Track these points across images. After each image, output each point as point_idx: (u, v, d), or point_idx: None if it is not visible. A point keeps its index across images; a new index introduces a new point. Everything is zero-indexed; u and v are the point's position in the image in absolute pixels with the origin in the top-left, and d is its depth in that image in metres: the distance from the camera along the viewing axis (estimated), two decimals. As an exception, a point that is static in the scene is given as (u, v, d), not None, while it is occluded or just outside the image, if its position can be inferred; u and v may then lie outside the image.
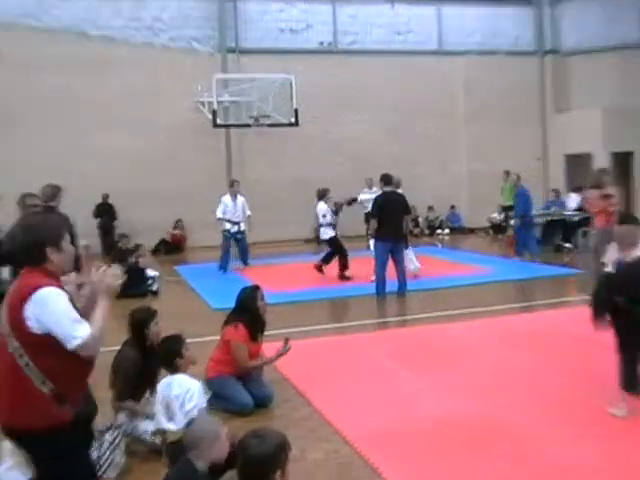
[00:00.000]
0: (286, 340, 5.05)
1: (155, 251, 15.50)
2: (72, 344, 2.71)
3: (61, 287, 2.81)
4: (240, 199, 12.09)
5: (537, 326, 6.96)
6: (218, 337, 5.16)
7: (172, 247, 15.87)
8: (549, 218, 14.32)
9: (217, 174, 16.50)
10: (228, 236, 11.98)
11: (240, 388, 4.84)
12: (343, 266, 10.51)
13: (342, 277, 10.43)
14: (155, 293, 10.01)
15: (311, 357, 6.13)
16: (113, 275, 2.93)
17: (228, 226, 11.94)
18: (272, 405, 4.95)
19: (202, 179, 16.13)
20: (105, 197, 15.46)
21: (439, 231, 18.22)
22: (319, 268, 10.75)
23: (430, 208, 18.51)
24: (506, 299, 9.05)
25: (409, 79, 17.60)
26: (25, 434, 2.79)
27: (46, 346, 2.73)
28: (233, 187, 12.06)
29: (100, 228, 15.25)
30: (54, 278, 2.83)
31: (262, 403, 4.90)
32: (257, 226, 14.07)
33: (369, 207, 10.22)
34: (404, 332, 7.22)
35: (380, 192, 9.57)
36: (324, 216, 10.75)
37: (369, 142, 17.17)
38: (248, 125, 15.18)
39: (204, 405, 3.91)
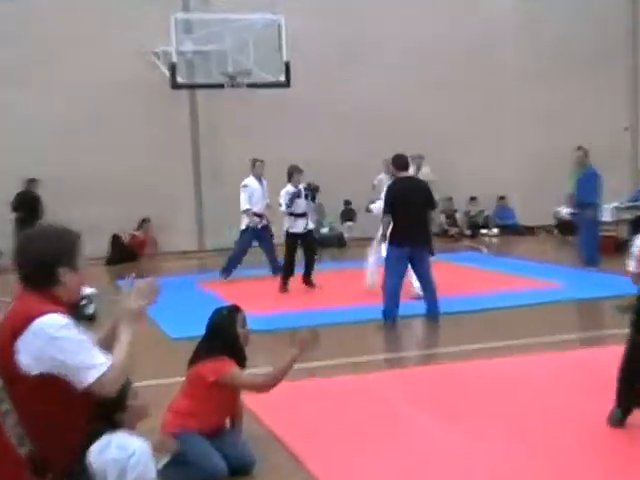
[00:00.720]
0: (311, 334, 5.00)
1: (109, 260, 15.68)
2: (89, 376, 2.93)
3: (67, 315, 3.03)
4: (264, 183, 12.59)
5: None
6: (180, 379, 5.17)
7: (129, 254, 15.95)
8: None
9: (179, 155, 16.53)
10: (251, 233, 12.38)
11: (209, 448, 4.83)
12: (284, 274, 11.47)
13: (283, 288, 11.39)
14: (91, 318, 9.99)
15: (305, 405, 6.14)
16: (145, 291, 3.22)
17: (256, 220, 12.28)
18: (254, 472, 4.92)
19: (160, 162, 16.24)
20: (29, 183, 15.33)
21: (484, 231, 18.39)
22: (306, 281, 11.57)
23: (472, 200, 18.56)
24: (577, 326, 9.10)
25: (442, 19, 17.68)
26: None
27: (38, 390, 2.90)
28: (255, 168, 12.53)
29: (18, 226, 14.80)
30: (59, 304, 3.07)
31: (240, 469, 4.86)
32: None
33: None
34: (430, 371, 7.25)
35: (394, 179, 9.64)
36: (280, 205, 11.56)
37: (388, 109, 17.22)
38: (221, 85, 15.20)
39: (153, 476, 3.89)
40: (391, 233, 9.15)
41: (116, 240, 16.18)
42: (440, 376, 6.94)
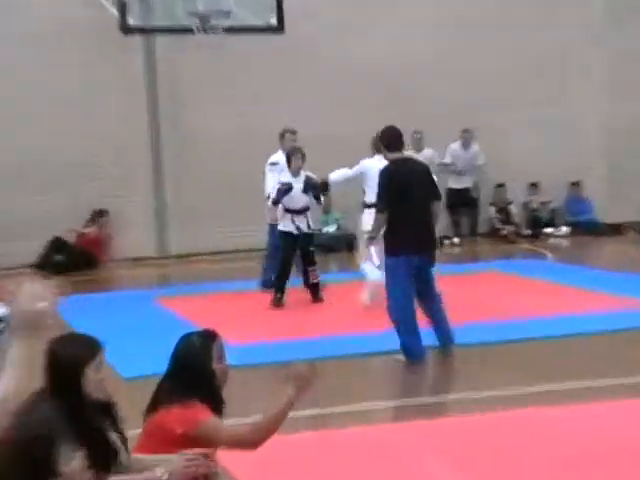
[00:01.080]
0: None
1: (42, 264, 15.62)
2: None
3: None
4: None
5: None
6: (136, 431, 5.11)
7: (81, 258, 15.88)
8: None
9: (131, 123, 16.53)
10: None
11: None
12: (277, 282, 11.89)
13: (275, 303, 11.78)
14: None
15: (295, 464, 6.31)
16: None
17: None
18: None
19: (105, 133, 16.32)
20: None
21: (550, 230, 18.43)
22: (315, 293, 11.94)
23: (533, 187, 18.52)
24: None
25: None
26: None
27: None
28: (285, 140, 12.78)
29: None
30: None
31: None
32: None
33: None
34: (466, 423, 7.28)
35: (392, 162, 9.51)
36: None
37: (417, 69, 17.33)
38: (189, 30, 15.12)
39: None
40: (391, 239, 9.09)
41: (57, 243, 16.06)
42: (478, 429, 6.97)
